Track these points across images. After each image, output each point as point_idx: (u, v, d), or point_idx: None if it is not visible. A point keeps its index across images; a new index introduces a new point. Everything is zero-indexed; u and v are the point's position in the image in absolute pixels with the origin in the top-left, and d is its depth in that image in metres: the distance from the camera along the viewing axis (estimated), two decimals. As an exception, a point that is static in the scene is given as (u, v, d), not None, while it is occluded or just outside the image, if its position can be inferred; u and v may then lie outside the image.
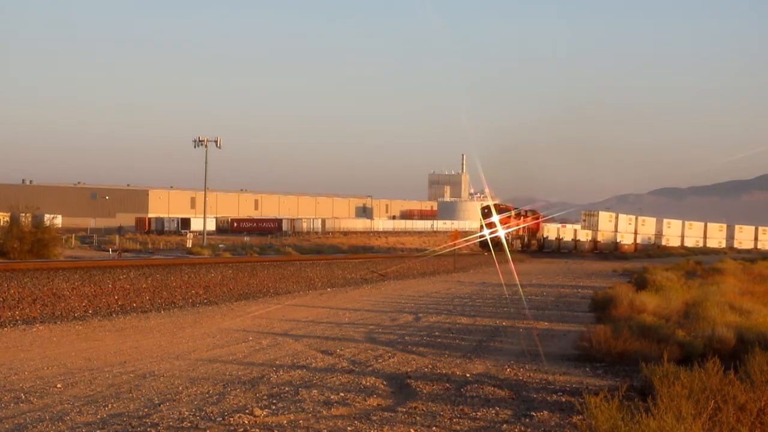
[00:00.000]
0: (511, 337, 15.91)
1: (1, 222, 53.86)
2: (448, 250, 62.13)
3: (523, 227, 74.56)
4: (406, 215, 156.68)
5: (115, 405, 9.15)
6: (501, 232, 65.19)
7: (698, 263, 44.23)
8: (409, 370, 11.79)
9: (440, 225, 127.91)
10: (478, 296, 26.17)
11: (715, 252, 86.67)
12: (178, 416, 8.66)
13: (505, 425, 8.64)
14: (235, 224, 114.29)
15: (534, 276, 40.28)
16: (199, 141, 73.67)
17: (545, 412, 9.22)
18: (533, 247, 76.87)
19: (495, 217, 67.12)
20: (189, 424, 8.32)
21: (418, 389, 10.34)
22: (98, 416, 8.63)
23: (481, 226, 69.96)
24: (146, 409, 8.96)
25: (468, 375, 11.48)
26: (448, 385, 10.68)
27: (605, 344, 12.67)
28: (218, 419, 8.55)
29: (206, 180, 75.47)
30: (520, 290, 26.19)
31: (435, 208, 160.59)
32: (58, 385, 10.17)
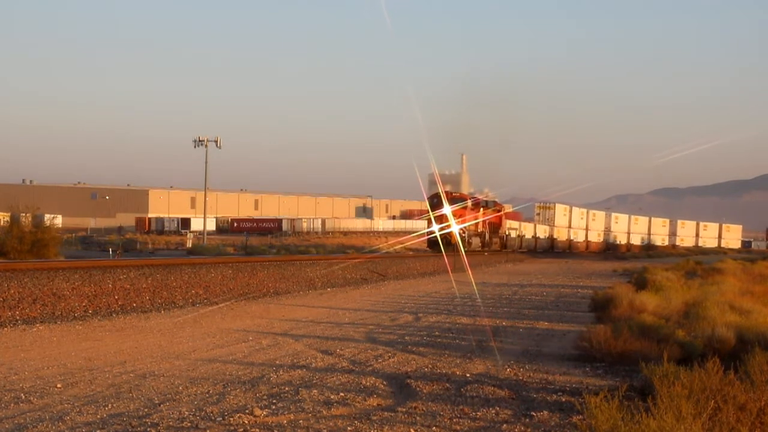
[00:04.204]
0: (511, 337, 15.91)
1: (1, 222, 53.85)
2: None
3: (483, 221, 60.97)
4: (406, 215, 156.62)
5: (115, 405, 9.15)
6: (454, 228, 53.14)
7: (698, 263, 44.25)
8: (409, 370, 11.79)
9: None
10: (478, 296, 26.15)
11: (667, 254, 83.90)
12: (178, 416, 8.66)
13: (505, 425, 8.64)
14: (235, 224, 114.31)
15: (534, 276, 40.27)
16: (199, 141, 73.63)
17: (545, 412, 9.22)
18: (495, 246, 64.07)
19: (447, 209, 53.97)
20: (189, 424, 8.32)
21: (418, 389, 10.34)
22: (98, 416, 8.63)
23: (429, 220, 55.72)
24: (146, 409, 8.96)
25: (468, 375, 11.47)
26: (448, 385, 10.68)
27: (605, 344, 12.67)
28: (218, 419, 8.55)
29: (206, 180, 75.47)
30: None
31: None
32: (58, 385, 10.17)
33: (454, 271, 37.86)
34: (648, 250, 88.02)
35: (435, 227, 53.22)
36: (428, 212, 56.11)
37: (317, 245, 70.33)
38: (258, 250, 60.97)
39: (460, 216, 55.02)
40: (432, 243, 54.15)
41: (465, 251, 46.68)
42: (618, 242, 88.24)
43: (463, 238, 53.51)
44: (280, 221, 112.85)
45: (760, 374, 8.30)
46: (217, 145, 74.00)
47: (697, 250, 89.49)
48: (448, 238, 51.82)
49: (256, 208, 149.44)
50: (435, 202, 55.56)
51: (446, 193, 56.17)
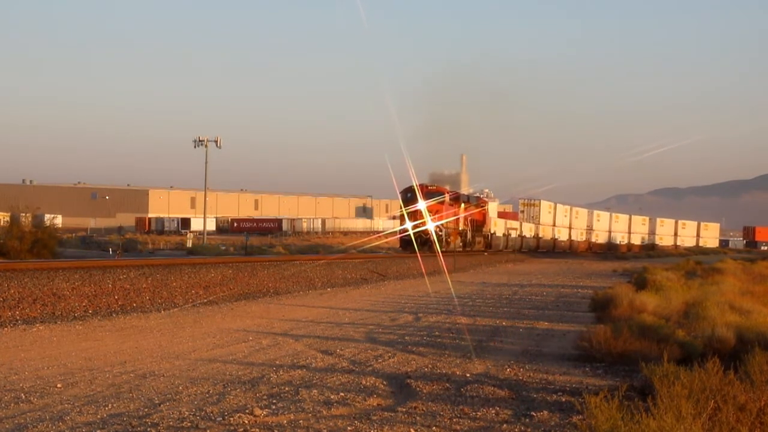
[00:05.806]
0: (511, 337, 15.91)
1: (2, 222, 53.85)
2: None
3: (465, 218, 54.08)
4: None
5: (115, 405, 9.15)
6: (430, 225, 47.34)
7: (698, 263, 44.29)
8: (409, 370, 11.79)
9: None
10: (478, 296, 26.17)
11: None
12: (178, 416, 8.66)
13: (505, 425, 8.64)
14: (235, 224, 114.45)
15: (534, 276, 40.28)
16: (199, 141, 73.63)
17: (545, 412, 9.21)
18: (478, 245, 57.67)
19: (421, 204, 47.81)
20: (189, 424, 8.32)
21: (418, 389, 10.34)
22: (98, 416, 8.63)
23: (402, 217, 49.58)
24: (146, 409, 8.96)
25: (468, 375, 11.48)
26: (448, 385, 10.68)
27: (605, 344, 12.67)
28: (218, 419, 8.55)
29: (206, 180, 75.47)
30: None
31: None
32: (58, 385, 10.17)
33: (455, 271, 37.84)
34: (649, 249, 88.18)
35: (408, 225, 47.65)
36: (400, 208, 50.11)
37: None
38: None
39: (436, 212, 48.71)
40: (405, 242, 48.78)
41: (442, 251, 42.82)
42: (598, 240, 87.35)
43: (439, 237, 47.52)
44: (280, 221, 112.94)
45: (760, 374, 8.30)
46: (217, 145, 74.00)
47: (682, 249, 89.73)
48: (423, 237, 46.94)
49: (256, 208, 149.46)
50: (408, 197, 49.08)
51: (421, 186, 49.57)
